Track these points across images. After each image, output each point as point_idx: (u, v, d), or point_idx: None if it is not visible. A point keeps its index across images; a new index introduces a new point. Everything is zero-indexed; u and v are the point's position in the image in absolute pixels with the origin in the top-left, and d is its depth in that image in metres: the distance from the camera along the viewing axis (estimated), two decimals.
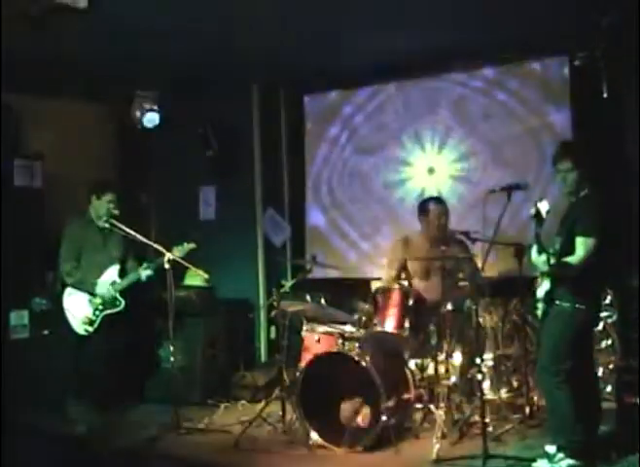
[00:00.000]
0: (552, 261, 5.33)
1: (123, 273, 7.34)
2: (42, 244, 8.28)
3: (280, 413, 6.72)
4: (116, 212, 7.25)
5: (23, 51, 7.17)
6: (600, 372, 6.79)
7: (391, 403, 6.01)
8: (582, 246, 5.31)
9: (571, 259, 5.33)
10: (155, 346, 8.25)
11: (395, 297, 6.47)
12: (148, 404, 7.67)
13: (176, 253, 7.06)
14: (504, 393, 6.95)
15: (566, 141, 5.82)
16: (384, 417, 5.94)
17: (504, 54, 7.96)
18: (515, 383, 7.26)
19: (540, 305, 5.63)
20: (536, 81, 8.09)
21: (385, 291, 6.59)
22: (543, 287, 5.56)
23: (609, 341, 7.03)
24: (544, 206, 5.29)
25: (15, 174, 8.37)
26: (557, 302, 5.47)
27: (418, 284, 6.98)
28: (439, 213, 7.13)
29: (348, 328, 6.84)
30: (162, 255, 7.03)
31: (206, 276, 7.40)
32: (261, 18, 6.96)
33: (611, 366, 6.88)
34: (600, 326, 6.88)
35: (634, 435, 5.65)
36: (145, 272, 7.20)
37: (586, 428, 5.42)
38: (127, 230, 7.17)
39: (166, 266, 6.97)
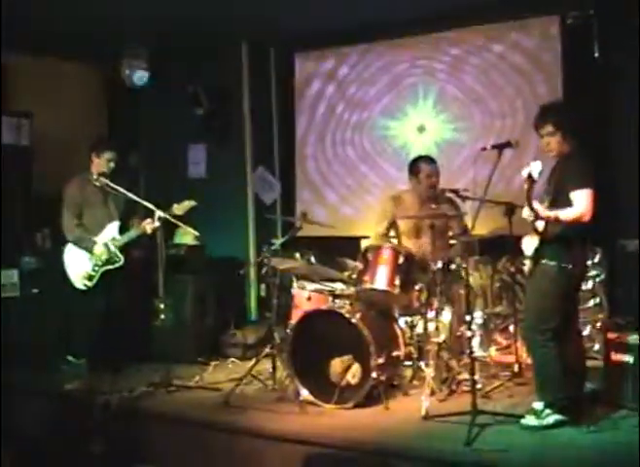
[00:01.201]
0: (546, 213, 5.32)
1: (123, 230, 7.38)
2: (30, 203, 8.26)
3: (270, 370, 6.74)
4: (110, 170, 7.29)
5: (8, 7, 7.10)
6: (588, 330, 6.86)
7: (381, 360, 6.05)
8: (579, 198, 5.29)
9: (569, 210, 5.31)
10: (148, 304, 8.28)
11: (385, 255, 6.47)
12: (139, 361, 7.66)
13: (176, 211, 7.02)
14: (493, 351, 7.02)
15: (545, 105, 5.78)
16: (374, 374, 5.97)
17: (495, 14, 7.92)
18: (503, 341, 7.36)
19: (527, 263, 5.65)
20: (528, 41, 8.08)
21: (376, 249, 6.58)
22: (530, 244, 5.56)
23: (597, 300, 7.09)
24: (537, 167, 5.28)
25: (2, 132, 8.32)
26: (544, 260, 5.48)
27: (408, 242, 6.99)
28: (429, 173, 7.10)
29: (339, 285, 6.88)
30: (164, 211, 6.98)
31: (197, 234, 7.40)
32: None
33: (598, 324, 6.94)
34: (589, 285, 6.95)
35: (620, 392, 5.74)
36: (150, 226, 7.08)
37: (572, 385, 5.49)
38: (119, 188, 7.17)
39: (156, 223, 6.97)
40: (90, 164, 7.36)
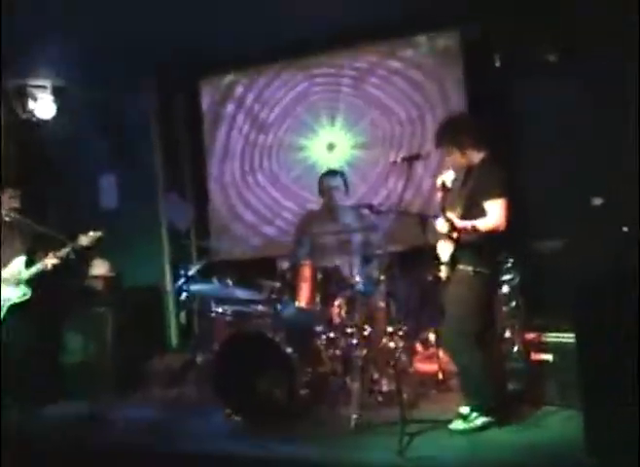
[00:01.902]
0: (458, 225, 5.42)
1: (30, 264, 7.25)
2: None
3: (197, 396, 6.69)
4: (16, 206, 7.19)
5: None
6: (507, 333, 6.97)
7: (307, 377, 6.07)
8: (494, 209, 5.41)
9: (482, 222, 5.41)
10: (62, 339, 8.15)
11: (304, 273, 6.50)
12: (58, 398, 7.47)
13: (83, 241, 7.00)
14: (415, 361, 7.10)
15: (440, 125, 5.89)
16: (301, 392, 6.00)
17: (398, 29, 8.05)
18: (425, 350, 7.44)
19: (443, 269, 5.71)
20: (431, 53, 8.25)
21: (294, 267, 6.62)
22: (446, 251, 5.63)
23: (513, 303, 7.22)
24: (450, 176, 5.41)
25: None
26: (460, 266, 5.58)
27: (326, 259, 7.03)
28: (332, 185, 7.20)
29: (259, 307, 6.87)
30: (69, 244, 6.98)
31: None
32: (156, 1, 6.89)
33: (517, 326, 7.07)
34: (505, 289, 7.08)
35: (543, 390, 5.89)
36: (51, 261, 7.10)
37: (497, 387, 5.61)
38: (28, 222, 7.09)
39: (71, 255, 6.89)
40: None
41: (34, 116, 9.05)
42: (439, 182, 5.44)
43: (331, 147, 8.77)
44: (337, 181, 7.20)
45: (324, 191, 7.22)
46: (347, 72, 8.68)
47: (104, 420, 6.73)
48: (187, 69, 9.23)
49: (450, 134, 5.67)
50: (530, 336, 6.11)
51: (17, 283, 7.18)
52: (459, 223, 5.42)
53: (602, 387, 4.68)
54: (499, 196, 5.42)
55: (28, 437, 6.42)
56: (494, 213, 5.41)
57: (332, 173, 7.32)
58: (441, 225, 5.49)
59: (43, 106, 9.00)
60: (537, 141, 7.55)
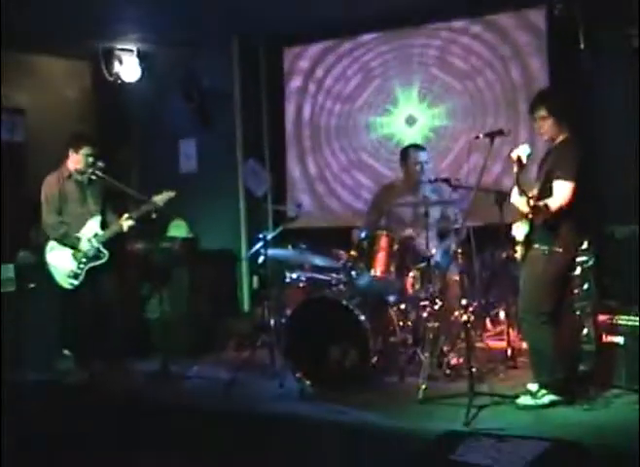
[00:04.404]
0: (532, 202, 5.46)
1: (104, 226, 7.27)
2: (25, 198, 8.29)
3: (267, 359, 6.82)
4: (96, 163, 7.17)
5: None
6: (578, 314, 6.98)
7: (378, 346, 6.16)
8: (560, 190, 5.44)
9: (550, 201, 5.45)
10: (140, 297, 8.33)
11: (381, 242, 6.57)
12: (135, 353, 7.67)
13: (156, 202, 6.99)
14: (485, 336, 7.14)
15: (542, 90, 5.95)
16: (372, 360, 6.10)
17: (482, 5, 8.03)
18: (495, 327, 7.48)
19: (518, 249, 5.76)
20: (514, 31, 8.20)
21: (371, 237, 6.68)
22: (521, 230, 5.68)
23: (585, 286, 7.21)
24: (525, 150, 5.42)
25: None
26: (535, 245, 5.62)
27: (403, 230, 7.08)
28: (417, 159, 7.23)
29: (333, 274, 6.96)
30: (143, 205, 7.05)
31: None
32: None
33: (587, 309, 7.06)
34: (578, 271, 7.07)
35: (612, 373, 5.89)
36: (127, 223, 7.13)
37: (567, 366, 5.64)
38: (113, 181, 7.14)
39: (153, 216, 6.99)
40: (66, 160, 7.27)
41: (120, 78, 9.23)
42: (514, 155, 5.46)
43: (410, 120, 8.80)
44: (424, 156, 7.25)
45: (409, 164, 7.25)
46: (432, 46, 8.67)
47: (175, 377, 6.95)
48: (271, 37, 9.33)
49: (553, 100, 5.71)
50: (602, 318, 6.10)
51: (96, 244, 7.14)
52: (531, 200, 5.46)
53: None
54: (569, 178, 5.43)
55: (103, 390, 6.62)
56: (559, 194, 5.44)
57: (419, 148, 7.35)
58: (515, 199, 5.53)
59: (129, 69, 9.18)
60: (618, 126, 7.48)
